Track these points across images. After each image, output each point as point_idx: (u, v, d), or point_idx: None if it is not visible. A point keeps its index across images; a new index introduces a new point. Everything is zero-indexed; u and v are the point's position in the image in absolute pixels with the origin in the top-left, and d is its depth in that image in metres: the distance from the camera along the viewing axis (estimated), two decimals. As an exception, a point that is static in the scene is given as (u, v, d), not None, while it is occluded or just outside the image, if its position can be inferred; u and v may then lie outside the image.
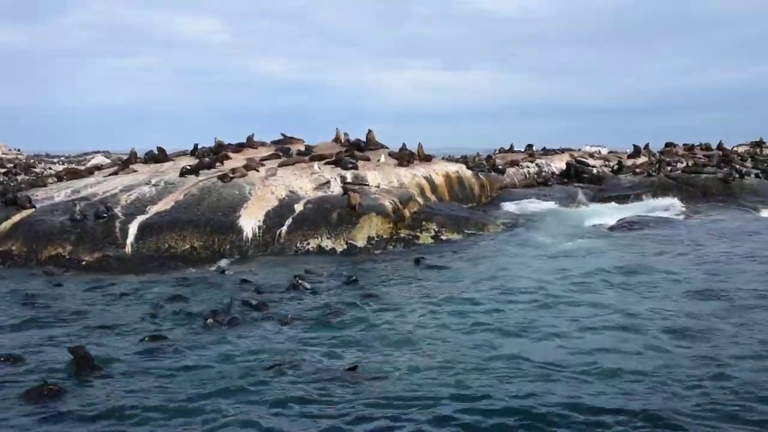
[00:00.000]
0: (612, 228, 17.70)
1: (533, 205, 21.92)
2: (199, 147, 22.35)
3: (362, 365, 7.77)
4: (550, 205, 22.38)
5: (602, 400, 6.61)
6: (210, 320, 9.81)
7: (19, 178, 32.05)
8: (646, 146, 34.39)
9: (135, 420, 6.44)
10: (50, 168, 40.66)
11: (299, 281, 12.32)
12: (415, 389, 7.03)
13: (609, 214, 19.63)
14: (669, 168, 27.53)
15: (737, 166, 26.38)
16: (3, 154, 54.81)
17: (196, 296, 11.79)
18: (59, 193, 18.75)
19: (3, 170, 38.37)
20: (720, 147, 34.58)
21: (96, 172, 21.59)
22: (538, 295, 10.93)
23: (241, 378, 7.44)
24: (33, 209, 17.28)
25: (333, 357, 8.18)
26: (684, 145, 35.79)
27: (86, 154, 59.98)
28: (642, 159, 31.97)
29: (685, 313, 9.62)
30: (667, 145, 35.29)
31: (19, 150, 62.07)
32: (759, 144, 38.10)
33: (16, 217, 16.89)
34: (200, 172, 19.09)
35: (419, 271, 13.40)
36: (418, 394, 6.89)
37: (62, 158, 57.30)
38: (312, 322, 9.78)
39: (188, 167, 19.29)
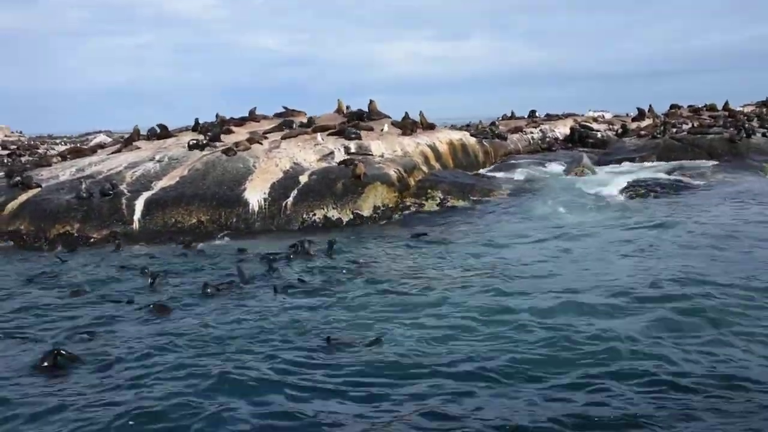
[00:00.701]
0: (620, 192, 17.51)
1: (538, 171, 21.82)
2: (201, 122, 22.27)
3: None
4: (555, 169, 22.30)
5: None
6: (209, 289, 9.97)
7: (23, 159, 32.03)
8: (651, 109, 34.14)
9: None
10: (53, 149, 40.68)
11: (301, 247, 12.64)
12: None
13: (615, 178, 19.45)
14: (674, 130, 27.33)
15: (745, 125, 26.16)
16: (5, 136, 54.86)
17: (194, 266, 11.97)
18: (64, 171, 18.75)
19: (6, 152, 38.43)
20: (726, 107, 34.29)
21: (99, 151, 21.57)
22: (533, 269, 10.53)
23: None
24: (39, 188, 17.32)
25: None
26: (689, 106, 35.47)
27: (88, 134, 59.92)
28: (646, 122, 31.75)
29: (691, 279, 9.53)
30: (672, 107, 35.00)
31: (21, 132, 62.13)
32: (766, 104, 37.73)
33: (23, 197, 16.93)
34: (205, 146, 19.04)
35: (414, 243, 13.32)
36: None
37: (64, 139, 57.29)
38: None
39: (194, 141, 19.24)
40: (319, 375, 6.62)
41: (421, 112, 23.17)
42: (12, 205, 16.69)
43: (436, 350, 7.18)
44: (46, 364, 7.06)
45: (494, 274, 10.04)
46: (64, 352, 7.22)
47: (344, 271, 10.92)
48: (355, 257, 12.05)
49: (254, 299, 9.45)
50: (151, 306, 9.17)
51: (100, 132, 59.14)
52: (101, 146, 24.15)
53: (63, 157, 21.35)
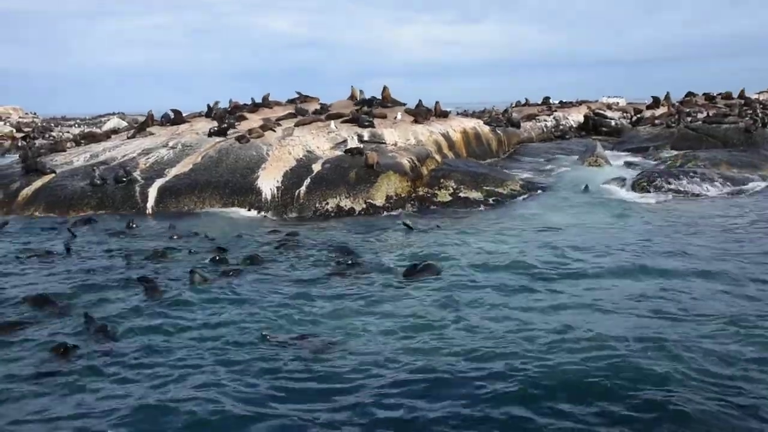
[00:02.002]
0: (633, 187, 17.18)
1: (550, 164, 21.73)
2: (214, 105, 22.27)
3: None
4: (568, 161, 22.21)
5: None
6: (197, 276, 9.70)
7: (37, 142, 32.20)
8: (666, 97, 33.85)
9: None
10: (67, 131, 40.91)
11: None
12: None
13: (628, 170, 19.29)
14: (689, 119, 27.13)
15: (760, 115, 25.90)
16: (20, 117, 55.16)
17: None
18: (78, 157, 18.84)
19: (21, 135, 38.67)
20: (742, 95, 33.98)
21: (113, 136, 21.65)
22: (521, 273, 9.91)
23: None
24: (53, 174, 17.41)
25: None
26: (704, 94, 35.16)
27: (101, 116, 60.09)
28: (661, 110, 31.50)
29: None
30: (687, 95, 34.70)
31: (35, 113, 62.43)
32: (783, 91, 37.38)
33: (38, 183, 17.05)
34: (225, 132, 19.07)
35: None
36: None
37: (78, 121, 57.47)
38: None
39: (214, 129, 19.25)
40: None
41: (437, 102, 23.11)
42: (26, 192, 16.81)
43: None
44: None
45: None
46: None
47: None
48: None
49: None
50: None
51: (113, 114, 59.37)
52: (115, 131, 24.22)
53: (77, 142, 21.45)
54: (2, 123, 47.08)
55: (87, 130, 42.14)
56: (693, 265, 9.84)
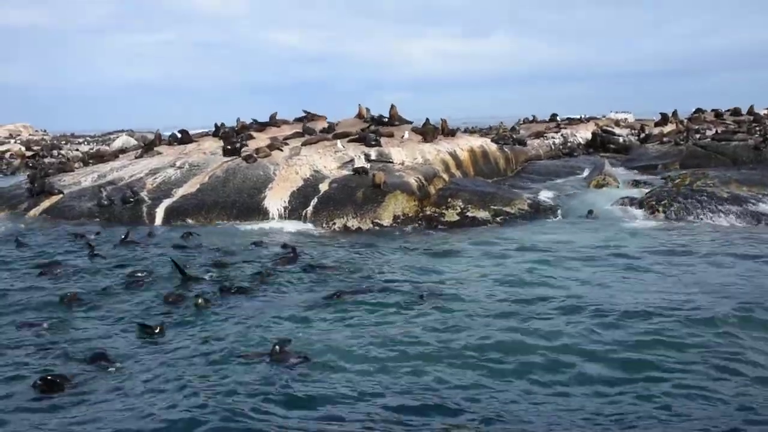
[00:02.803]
0: (641, 208, 16.83)
1: (558, 182, 21.62)
2: (221, 126, 22.33)
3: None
4: (576, 180, 22.09)
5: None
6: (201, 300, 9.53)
7: (46, 160, 32.38)
8: (674, 113, 33.78)
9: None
10: (76, 149, 41.13)
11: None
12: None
13: (636, 190, 19.04)
14: (698, 136, 27.03)
15: (768, 133, 25.76)
16: (30, 135, 55.53)
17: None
18: (86, 177, 18.91)
19: (30, 153, 38.90)
20: (751, 111, 33.87)
21: (121, 155, 21.72)
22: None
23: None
24: (61, 195, 17.47)
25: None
26: (713, 110, 35.07)
27: (110, 133, 60.48)
28: (670, 127, 31.42)
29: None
30: (696, 111, 34.62)
31: (45, 131, 62.87)
32: (792, 107, 37.20)
33: (46, 203, 17.12)
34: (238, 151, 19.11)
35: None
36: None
37: (87, 138, 57.84)
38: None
39: (228, 148, 19.27)
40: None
41: (443, 120, 23.12)
42: (35, 212, 16.88)
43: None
44: None
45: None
46: None
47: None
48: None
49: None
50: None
51: (122, 132, 59.71)
52: (123, 151, 24.31)
53: (85, 162, 21.53)
54: (13, 141, 47.43)
55: (96, 147, 42.39)
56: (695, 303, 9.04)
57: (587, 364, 7.09)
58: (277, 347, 7.37)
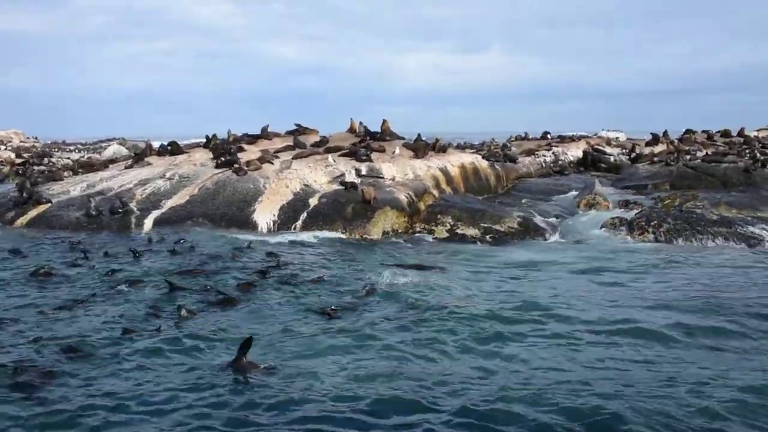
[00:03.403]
0: (629, 229, 16.69)
1: (548, 200, 21.60)
2: (212, 137, 22.27)
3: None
4: (567, 199, 22.10)
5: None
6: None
7: (36, 168, 32.16)
8: (665, 134, 33.94)
9: None
10: (67, 158, 40.91)
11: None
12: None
13: (625, 212, 18.97)
14: (688, 157, 27.16)
15: (758, 155, 25.88)
16: (21, 142, 55.20)
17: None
18: (75, 187, 18.80)
19: (20, 160, 38.65)
20: (741, 133, 34.11)
21: (111, 165, 21.62)
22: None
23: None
24: (49, 204, 17.34)
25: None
26: (703, 131, 35.29)
27: (102, 141, 60.17)
28: (660, 147, 31.54)
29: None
30: (686, 132, 34.82)
31: (36, 138, 62.52)
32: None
33: (33, 213, 17.00)
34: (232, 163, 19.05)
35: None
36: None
37: (78, 146, 57.53)
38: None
39: (222, 160, 19.20)
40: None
41: (437, 138, 23.26)
42: (22, 221, 16.75)
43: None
44: None
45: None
46: None
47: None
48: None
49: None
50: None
51: (113, 140, 59.42)
52: (113, 161, 24.20)
53: (74, 171, 21.41)
54: (3, 148, 47.12)
55: (87, 156, 42.16)
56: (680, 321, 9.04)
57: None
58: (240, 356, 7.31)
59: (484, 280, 11.93)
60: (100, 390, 6.75)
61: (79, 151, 49.33)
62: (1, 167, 36.87)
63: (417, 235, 16.54)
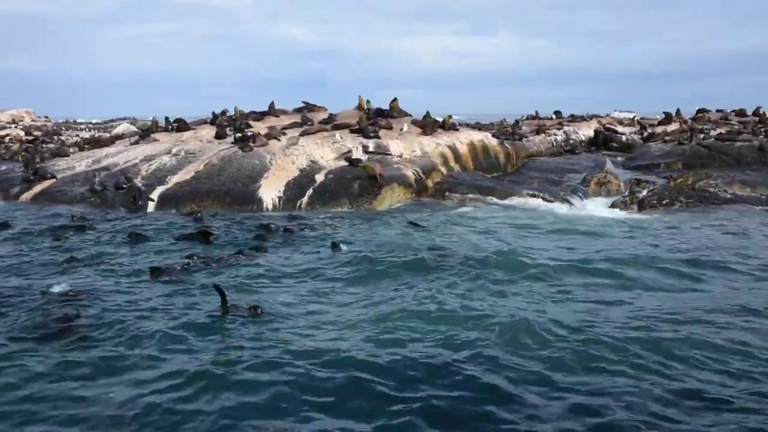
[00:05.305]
0: (642, 205, 16.44)
1: (559, 179, 21.30)
2: (220, 114, 22.11)
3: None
4: (577, 177, 21.78)
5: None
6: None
7: (47, 146, 32.13)
8: (678, 113, 33.46)
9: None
10: (76, 135, 40.89)
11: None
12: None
13: (636, 188, 18.64)
14: (701, 136, 26.71)
15: (773, 133, 25.42)
16: (32, 120, 55.29)
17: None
18: (80, 163, 18.72)
19: (30, 138, 38.66)
20: (756, 113, 33.53)
21: (117, 142, 21.52)
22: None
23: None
24: (54, 179, 17.27)
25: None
26: (717, 111, 34.74)
27: (112, 120, 60.18)
28: (673, 126, 31.09)
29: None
30: (699, 111, 34.29)
31: (47, 117, 62.61)
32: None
33: (38, 188, 16.93)
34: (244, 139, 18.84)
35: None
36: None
37: (89, 125, 57.56)
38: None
39: (238, 136, 19.01)
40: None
41: (448, 116, 23.00)
42: (26, 196, 16.68)
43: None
44: None
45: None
46: None
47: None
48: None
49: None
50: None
51: (124, 119, 59.45)
52: (120, 137, 24.10)
53: (80, 147, 21.33)
54: (14, 126, 47.17)
55: (97, 134, 42.12)
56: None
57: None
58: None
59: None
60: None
61: (90, 130, 49.30)
62: (11, 145, 36.87)
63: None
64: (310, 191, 16.44)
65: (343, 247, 11.03)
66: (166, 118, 21.93)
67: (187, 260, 9.95)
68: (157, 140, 20.07)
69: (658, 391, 5.90)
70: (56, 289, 8.49)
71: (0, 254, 10.82)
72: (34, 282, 9.10)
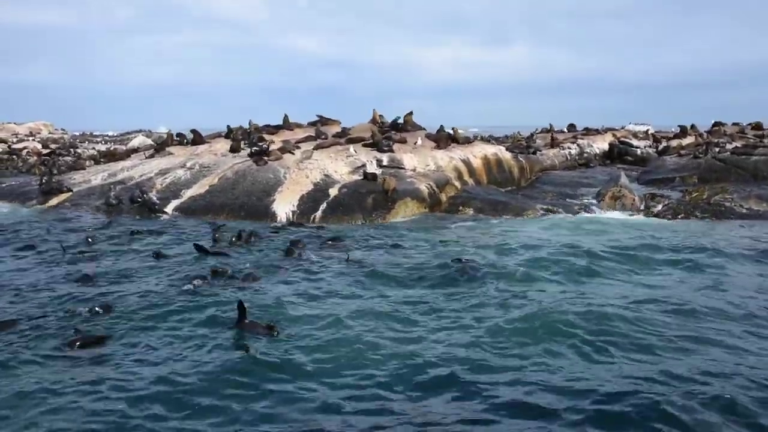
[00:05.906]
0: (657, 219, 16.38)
1: (573, 194, 21.16)
2: (236, 129, 22.22)
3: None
4: (592, 191, 21.66)
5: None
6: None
7: (63, 159, 32.40)
8: (693, 126, 33.27)
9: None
10: (93, 148, 41.23)
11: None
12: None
13: (651, 202, 18.56)
14: (717, 149, 26.53)
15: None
16: (50, 133, 55.81)
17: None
18: (96, 176, 18.86)
19: (47, 151, 38.99)
20: (772, 126, 33.30)
21: (133, 155, 21.67)
22: None
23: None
24: (70, 193, 17.41)
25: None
26: (734, 124, 34.51)
27: (128, 133, 60.64)
28: (688, 139, 30.90)
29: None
30: (715, 124, 34.07)
31: (64, 130, 63.20)
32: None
33: (53, 201, 17.06)
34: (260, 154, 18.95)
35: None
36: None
37: (105, 137, 58.03)
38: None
39: (254, 150, 19.10)
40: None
41: (454, 128, 22.97)
42: (42, 209, 16.79)
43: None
44: None
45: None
46: None
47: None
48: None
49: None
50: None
51: (139, 132, 59.88)
52: (135, 150, 24.27)
53: (96, 160, 21.50)
54: (32, 139, 47.63)
55: (113, 147, 42.45)
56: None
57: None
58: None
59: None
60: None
61: (106, 143, 49.68)
62: (28, 158, 37.21)
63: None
64: (323, 205, 16.46)
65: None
66: (178, 133, 22.06)
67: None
68: (171, 154, 20.20)
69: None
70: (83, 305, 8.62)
71: (24, 267, 10.95)
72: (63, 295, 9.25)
